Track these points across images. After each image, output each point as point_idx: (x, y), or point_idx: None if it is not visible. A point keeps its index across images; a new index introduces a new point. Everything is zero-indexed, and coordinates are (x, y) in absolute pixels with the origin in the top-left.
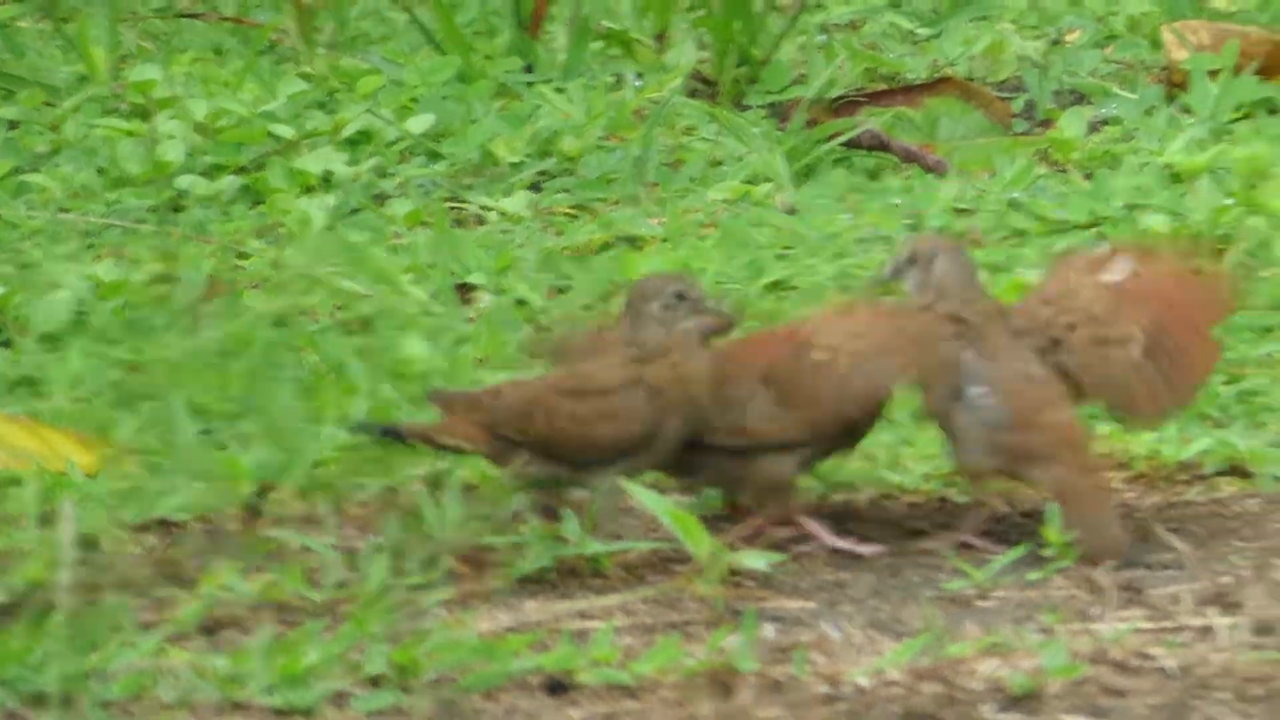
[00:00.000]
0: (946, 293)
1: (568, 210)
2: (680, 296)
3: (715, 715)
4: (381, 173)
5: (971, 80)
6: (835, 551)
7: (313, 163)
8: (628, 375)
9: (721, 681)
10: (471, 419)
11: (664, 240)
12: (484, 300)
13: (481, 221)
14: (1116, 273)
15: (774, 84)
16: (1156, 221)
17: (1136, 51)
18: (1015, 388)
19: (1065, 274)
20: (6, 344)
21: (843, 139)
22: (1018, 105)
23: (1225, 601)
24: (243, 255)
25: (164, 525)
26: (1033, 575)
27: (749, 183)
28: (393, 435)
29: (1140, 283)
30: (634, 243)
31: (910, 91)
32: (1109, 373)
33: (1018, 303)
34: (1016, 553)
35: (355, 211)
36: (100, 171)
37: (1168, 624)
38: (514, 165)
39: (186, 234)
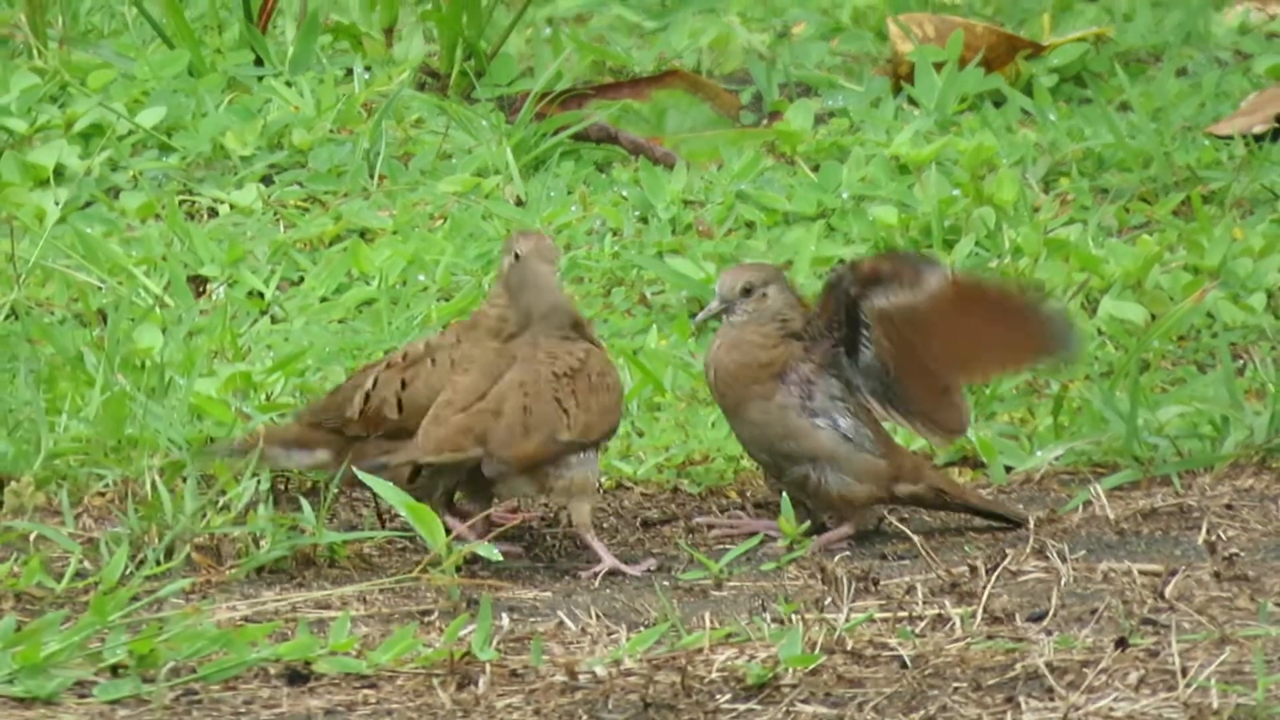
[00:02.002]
0: (787, 319)
1: (299, 202)
2: None
3: (454, 704)
4: (114, 166)
5: (699, 73)
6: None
7: (45, 156)
8: None
9: (459, 671)
10: None
11: (394, 232)
12: (217, 292)
13: (213, 214)
14: None
15: (502, 77)
16: (884, 213)
17: (862, 44)
18: (866, 413)
19: None
20: None
21: (571, 132)
22: (745, 97)
23: (959, 591)
24: None
25: None
26: (767, 565)
27: (478, 175)
28: None
29: None
30: (365, 235)
31: (638, 84)
32: None
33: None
34: (751, 543)
35: (88, 204)
36: None
37: (903, 614)
38: (245, 158)
39: None
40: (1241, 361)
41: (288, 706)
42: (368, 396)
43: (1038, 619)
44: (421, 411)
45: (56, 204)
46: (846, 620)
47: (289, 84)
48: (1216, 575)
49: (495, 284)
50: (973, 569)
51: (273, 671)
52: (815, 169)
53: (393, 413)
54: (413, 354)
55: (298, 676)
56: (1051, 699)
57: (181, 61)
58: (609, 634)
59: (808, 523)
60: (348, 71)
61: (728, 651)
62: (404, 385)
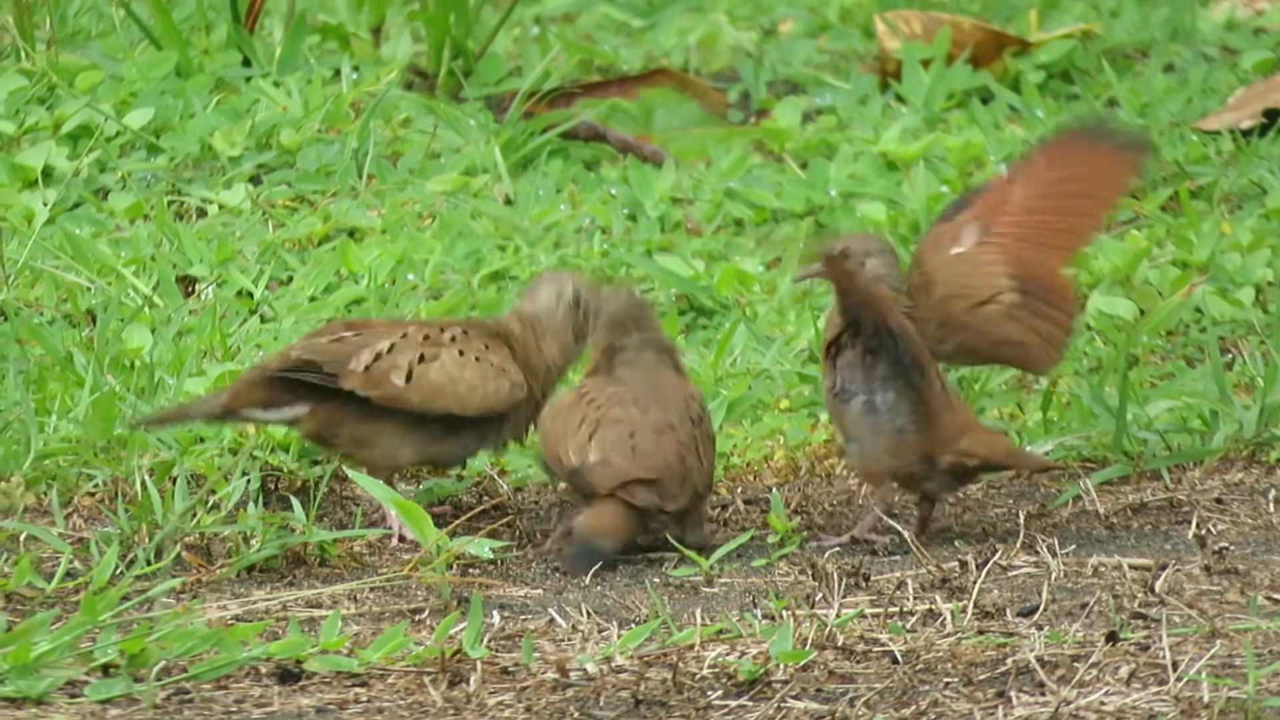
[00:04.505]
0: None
1: (287, 202)
2: None
3: (445, 702)
4: (102, 167)
5: (686, 71)
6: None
7: (34, 158)
8: None
9: (451, 669)
10: None
11: (383, 232)
12: (206, 292)
13: (202, 214)
14: (965, 243)
15: (490, 76)
16: (873, 210)
17: (849, 41)
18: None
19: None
20: None
21: (559, 130)
22: (733, 95)
23: (950, 587)
24: None
25: None
26: (758, 562)
27: (467, 174)
28: None
29: (990, 242)
30: (354, 234)
31: (626, 83)
32: (996, 331)
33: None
34: (742, 539)
35: (77, 205)
36: None
37: (894, 609)
38: (233, 158)
39: None
40: (1230, 356)
41: (279, 705)
42: (378, 355)
43: (1028, 614)
44: (425, 389)
45: (45, 205)
46: (837, 616)
47: (277, 84)
48: (1206, 569)
49: (550, 329)
50: (963, 564)
51: (264, 670)
52: (803, 166)
53: (400, 379)
54: (434, 335)
55: (289, 675)
56: (1042, 693)
57: (169, 63)
58: (600, 631)
59: (797, 519)
60: (335, 72)
61: (719, 648)
62: (421, 359)
